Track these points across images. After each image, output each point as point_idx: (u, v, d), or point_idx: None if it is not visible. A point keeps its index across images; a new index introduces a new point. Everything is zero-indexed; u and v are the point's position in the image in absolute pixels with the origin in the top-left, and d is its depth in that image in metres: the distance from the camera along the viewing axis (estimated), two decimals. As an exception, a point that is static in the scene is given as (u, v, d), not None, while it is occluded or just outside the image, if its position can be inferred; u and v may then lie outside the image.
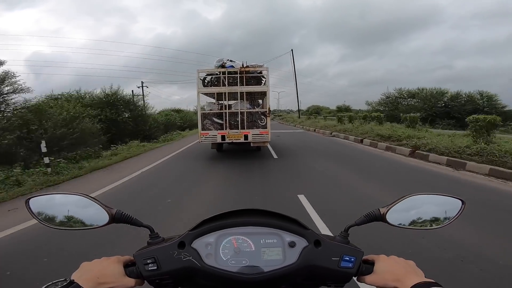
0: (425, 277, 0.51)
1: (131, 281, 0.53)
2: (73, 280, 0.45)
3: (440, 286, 0.46)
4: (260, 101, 8.47)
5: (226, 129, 7.20)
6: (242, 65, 7.37)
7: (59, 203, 0.57)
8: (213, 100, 8.12)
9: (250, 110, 7.39)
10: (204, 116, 7.46)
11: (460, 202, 0.61)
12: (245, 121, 7.17)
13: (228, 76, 7.22)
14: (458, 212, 0.60)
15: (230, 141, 7.21)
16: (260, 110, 7.56)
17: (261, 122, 7.31)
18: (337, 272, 0.56)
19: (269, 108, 7.43)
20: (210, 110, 7.64)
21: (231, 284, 0.54)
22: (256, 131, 7.19)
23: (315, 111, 47.88)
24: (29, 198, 0.56)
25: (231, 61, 7.47)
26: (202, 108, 7.59)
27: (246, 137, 7.13)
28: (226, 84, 7.21)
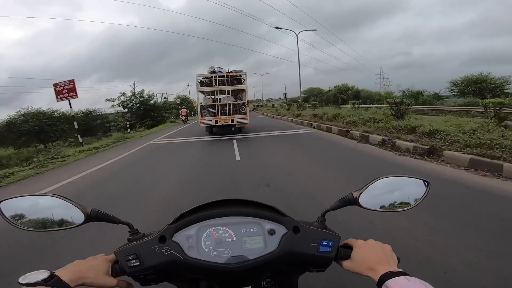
0: (398, 262, 0.55)
1: (112, 281, 0.53)
2: (54, 272, 0.45)
3: (407, 275, 0.48)
4: (241, 95, 11.61)
5: (218, 115, 10.32)
6: (228, 71, 10.56)
7: (32, 204, 0.55)
8: (208, 96, 11.22)
9: (234, 102, 10.55)
10: (202, 107, 10.57)
11: (425, 183, 0.63)
12: (231, 109, 10.30)
13: (218, 79, 10.36)
14: (425, 193, 0.63)
15: (221, 124, 10.34)
16: (241, 102, 10.74)
17: (242, 110, 10.49)
18: (317, 257, 0.58)
19: (248, 100, 10.64)
20: (206, 103, 10.76)
21: (215, 275, 0.55)
22: (239, 116, 10.35)
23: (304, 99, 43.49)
24: (0, 201, 0.53)
25: (219, 68, 10.64)
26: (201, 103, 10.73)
27: (232, 120, 10.26)
28: (217, 84, 10.35)
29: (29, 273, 0.42)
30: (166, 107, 28.50)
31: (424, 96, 22.40)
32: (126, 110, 24.28)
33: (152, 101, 25.86)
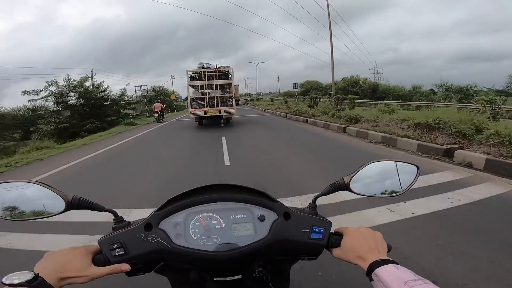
0: (389, 251, 0.55)
1: (99, 271, 0.51)
2: (38, 274, 0.43)
3: (396, 263, 0.48)
4: (228, 89, 12.59)
5: (206, 107, 11.32)
6: (216, 67, 11.55)
7: (8, 192, 0.53)
8: (198, 90, 12.21)
9: (222, 95, 11.57)
10: (192, 100, 11.54)
11: (415, 167, 0.63)
12: (219, 102, 11.32)
13: (207, 74, 11.33)
14: (415, 177, 0.63)
15: (210, 115, 11.35)
16: (228, 95, 11.78)
17: (229, 103, 11.53)
18: (309, 244, 0.57)
19: (234, 94, 11.69)
20: (196, 96, 11.75)
21: (204, 264, 0.54)
22: (226, 108, 11.38)
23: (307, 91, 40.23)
24: None
25: (208, 63, 11.62)
26: (191, 96, 11.70)
27: (220, 112, 11.28)
28: (206, 79, 11.33)
29: (12, 274, 0.41)
30: (127, 103, 20.46)
31: (481, 92, 16.51)
32: (59, 108, 16.79)
33: (102, 93, 18.40)
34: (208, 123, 12.32)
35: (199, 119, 12.04)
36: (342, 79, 36.71)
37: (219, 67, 11.64)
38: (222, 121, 11.59)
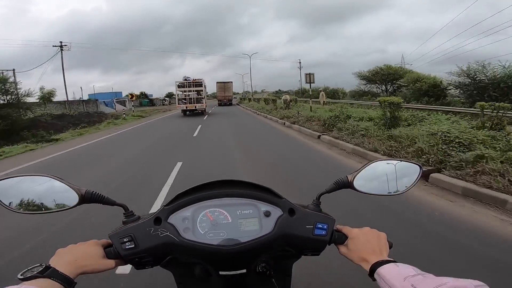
0: (390, 248, 0.58)
1: (111, 262, 0.53)
2: (50, 265, 0.45)
3: (395, 262, 0.50)
4: (201, 93, 19.81)
5: (187, 104, 18.74)
6: (193, 79, 19.12)
7: (24, 185, 0.54)
8: (182, 93, 19.53)
9: (196, 96, 19.02)
10: (179, 99, 19.03)
11: (418, 167, 0.65)
12: (194, 100, 18.77)
13: (187, 83, 18.85)
14: (417, 177, 0.64)
15: (189, 109, 18.68)
16: (201, 96, 19.22)
17: (201, 101, 19.07)
18: (312, 240, 0.59)
19: (205, 96, 19.33)
20: (179, 97, 19.26)
21: (210, 257, 0.55)
22: (199, 104, 18.87)
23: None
24: None
25: (188, 77, 19.24)
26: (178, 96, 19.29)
27: (195, 107, 18.71)
28: (187, 86, 18.83)
29: (26, 269, 0.44)
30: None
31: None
32: None
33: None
34: (190, 115, 19.65)
35: (184, 112, 19.44)
36: (375, 68, 26.84)
37: (195, 79, 19.30)
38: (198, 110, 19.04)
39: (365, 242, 0.57)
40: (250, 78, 68.42)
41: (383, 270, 0.49)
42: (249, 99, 35.41)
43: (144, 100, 49.33)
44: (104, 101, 34.05)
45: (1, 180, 0.52)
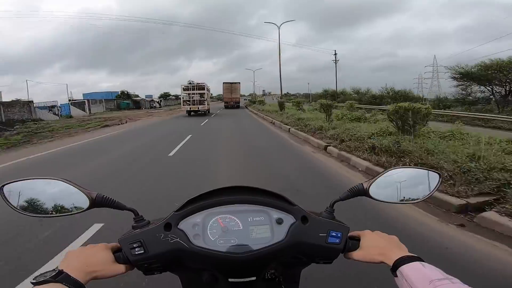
0: (408, 252, 0.53)
1: (121, 267, 0.53)
2: (62, 269, 0.45)
3: (422, 260, 0.48)
4: (204, 95, 21.86)
5: (191, 105, 20.93)
6: (197, 83, 21.33)
7: (35, 188, 0.54)
8: (187, 95, 21.73)
9: (199, 99, 21.15)
10: (183, 101, 21.34)
11: (437, 175, 0.63)
12: (198, 102, 20.92)
13: (191, 86, 21.07)
14: (436, 185, 0.62)
15: (192, 110, 20.83)
16: (203, 99, 21.32)
17: (204, 103, 21.21)
18: (325, 248, 0.57)
19: (207, 98, 21.58)
20: (184, 99, 21.55)
21: (220, 264, 0.54)
22: (202, 106, 21.02)
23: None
24: (3, 185, 0.52)
25: (192, 81, 21.44)
26: (183, 98, 21.63)
27: (198, 108, 20.88)
28: (191, 89, 21.00)
29: (38, 274, 0.43)
30: None
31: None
32: None
33: None
34: (194, 115, 21.72)
35: (188, 112, 21.55)
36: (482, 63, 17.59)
37: (198, 83, 21.51)
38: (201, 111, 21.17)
39: (379, 239, 0.57)
40: (253, 88, 68.90)
41: (407, 268, 0.47)
42: (260, 102, 30.64)
43: (123, 102, 40.10)
44: (48, 106, 25.24)
45: (11, 183, 0.52)
